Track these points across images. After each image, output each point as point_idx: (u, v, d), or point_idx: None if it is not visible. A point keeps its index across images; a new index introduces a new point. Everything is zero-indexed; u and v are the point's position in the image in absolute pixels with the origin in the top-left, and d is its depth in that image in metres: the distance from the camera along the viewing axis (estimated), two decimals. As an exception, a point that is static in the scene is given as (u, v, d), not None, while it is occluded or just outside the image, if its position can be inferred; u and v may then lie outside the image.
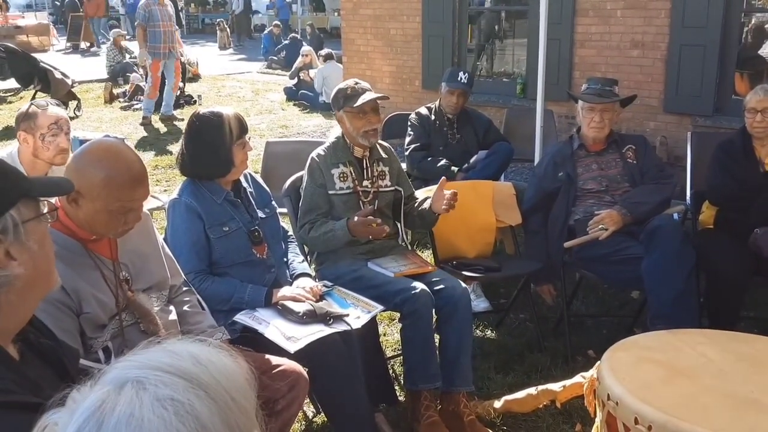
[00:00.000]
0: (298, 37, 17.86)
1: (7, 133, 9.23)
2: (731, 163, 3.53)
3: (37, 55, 11.68)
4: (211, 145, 2.69)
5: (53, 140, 3.19)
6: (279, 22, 20.31)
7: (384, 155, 3.36)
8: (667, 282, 3.14)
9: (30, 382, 1.22)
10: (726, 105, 5.99)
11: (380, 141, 3.40)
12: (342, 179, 3.21)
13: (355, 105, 3.14)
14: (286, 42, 17.21)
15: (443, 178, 3.27)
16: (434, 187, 3.88)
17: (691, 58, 5.99)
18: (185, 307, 2.40)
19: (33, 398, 1.16)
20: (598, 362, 2.25)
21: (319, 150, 3.27)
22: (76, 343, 1.92)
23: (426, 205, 3.31)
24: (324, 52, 11.82)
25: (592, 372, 2.41)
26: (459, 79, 4.73)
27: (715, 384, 2.04)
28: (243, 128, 2.76)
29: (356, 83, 3.23)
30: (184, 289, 2.48)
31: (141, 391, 0.72)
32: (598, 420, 2.22)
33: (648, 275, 3.21)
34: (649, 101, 6.26)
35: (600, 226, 3.46)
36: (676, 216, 3.83)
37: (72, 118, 7.79)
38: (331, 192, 3.19)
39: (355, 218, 3.03)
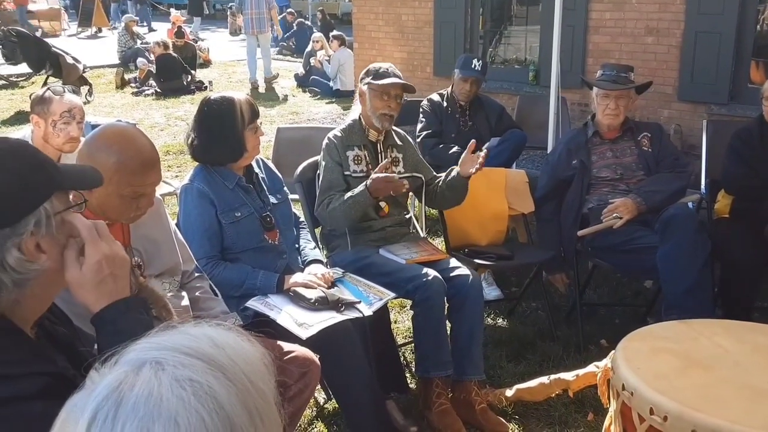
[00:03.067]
0: (306, 22, 17.80)
1: (19, 118, 9.27)
2: (748, 151, 3.48)
3: (49, 40, 11.71)
4: (223, 130, 2.67)
5: (64, 128, 3.19)
6: (293, 10, 20.25)
7: (399, 142, 3.34)
8: (681, 272, 3.11)
9: (44, 355, 1.22)
10: (741, 93, 5.93)
11: (395, 128, 3.38)
12: (356, 162, 3.20)
13: (380, 83, 3.14)
14: (294, 29, 17.19)
15: (473, 141, 3.24)
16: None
17: (707, 46, 5.92)
18: (197, 293, 2.40)
19: (47, 366, 1.17)
20: (613, 352, 2.23)
21: (336, 131, 3.26)
22: (89, 329, 1.92)
23: (453, 173, 3.27)
24: (336, 33, 11.75)
25: (606, 361, 2.40)
26: (473, 66, 4.69)
27: (731, 375, 2.02)
28: (254, 113, 2.74)
29: (390, 66, 3.24)
30: (196, 275, 2.48)
31: (159, 371, 0.71)
32: (612, 410, 2.21)
33: (663, 265, 3.18)
34: (664, 89, 6.20)
35: (614, 215, 3.43)
36: (690, 205, 3.80)
37: (84, 104, 7.89)
38: (345, 173, 3.18)
39: (375, 179, 2.99)
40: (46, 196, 1.22)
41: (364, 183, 3.03)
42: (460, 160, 3.22)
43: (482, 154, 3.11)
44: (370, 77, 3.20)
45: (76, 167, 1.42)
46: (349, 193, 3.07)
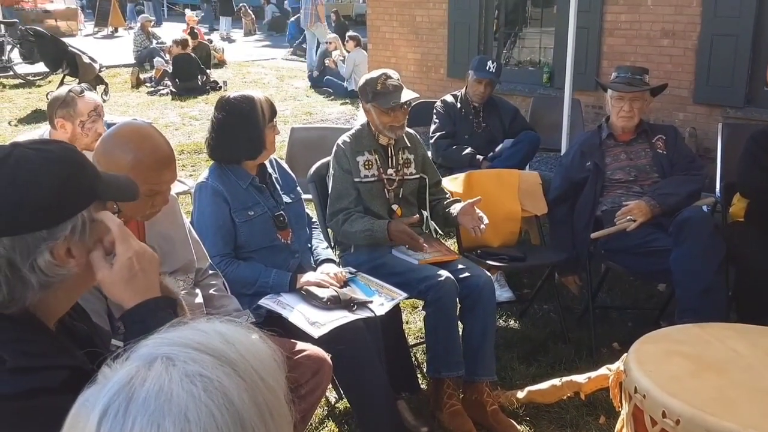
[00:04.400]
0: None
1: (36, 116, 9.34)
2: (764, 154, 3.45)
3: (65, 40, 11.79)
4: (244, 127, 2.70)
5: (92, 126, 3.23)
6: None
7: (409, 144, 3.33)
8: (696, 275, 3.09)
9: (65, 348, 1.24)
10: (758, 96, 5.88)
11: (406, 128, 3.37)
12: (367, 167, 3.19)
13: (384, 107, 3.11)
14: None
15: (479, 197, 3.21)
16: (460, 176, 3.86)
17: (723, 48, 5.87)
18: (211, 291, 2.41)
19: (68, 360, 1.19)
20: (625, 354, 2.22)
21: (345, 137, 3.26)
22: (105, 324, 1.94)
23: (453, 210, 3.27)
24: (351, 34, 11.76)
25: (618, 364, 2.38)
26: (487, 68, 4.67)
27: (745, 379, 2.00)
28: (273, 111, 2.79)
29: (386, 78, 3.15)
30: (210, 272, 2.49)
31: (170, 366, 0.72)
32: (623, 413, 2.19)
33: (677, 268, 3.16)
34: (679, 92, 6.15)
35: (628, 217, 3.41)
36: (705, 208, 3.77)
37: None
38: (356, 179, 3.17)
39: (399, 225, 3.03)
40: (86, 204, 1.24)
41: (387, 223, 3.05)
42: (461, 209, 3.20)
43: (485, 222, 3.11)
44: (370, 96, 3.14)
45: (116, 177, 1.44)
46: (368, 224, 3.07)
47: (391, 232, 3.03)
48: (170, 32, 16.15)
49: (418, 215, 3.23)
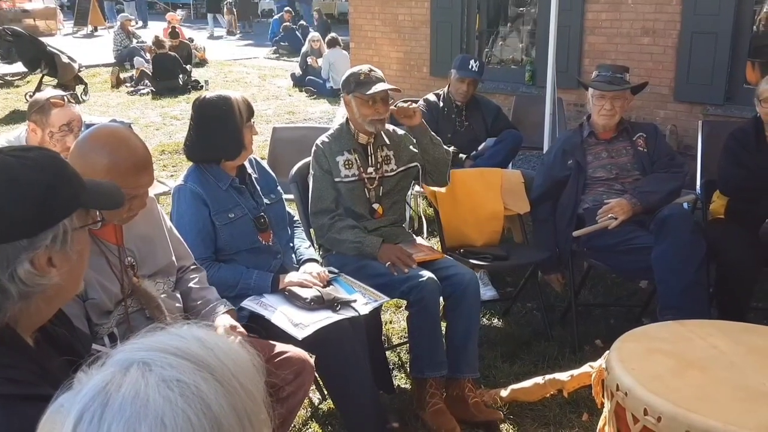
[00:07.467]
0: (302, 22, 17.80)
1: (14, 117, 9.25)
2: (743, 152, 3.48)
3: (44, 39, 11.68)
4: (222, 128, 2.67)
5: (61, 139, 3.17)
6: (290, 8, 20.24)
7: (388, 140, 3.32)
8: (677, 272, 3.10)
9: (46, 371, 1.21)
10: (737, 94, 5.94)
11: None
12: (347, 166, 3.18)
13: (366, 93, 3.09)
14: (282, 33, 17.22)
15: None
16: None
17: (703, 46, 5.93)
18: (191, 284, 2.38)
19: (51, 390, 1.16)
20: (607, 352, 2.22)
21: (324, 137, 3.24)
22: (84, 328, 1.91)
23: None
24: (328, 37, 11.77)
25: (600, 362, 2.39)
26: (470, 67, 4.67)
27: (727, 376, 2.01)
28: (251, 110, 2.76)
29: (371, 70, 3.16)
30: (192, 267, 2.46)
31: (147, 372, 0.71)
32: (606, 410, 2.20)
33: (658, 265, 3.18)
34: (660, 89, 6.20)
35: (609, 216, 3.43)
36: (686, 205, 3.80)
37: (78, 103, 7.89)
38: (336, 179, 3.15)
39: (392, 246, 3.05)
40: (68, 213, 1.22)
41: (380, 243, 3.05)
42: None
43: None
44: (353, 86, 3.13)
45: (100, 184, 1.41)
46: (359, 237, 3.07)
47: (380, 253, 3.02)
48: (156, 32, 16.02)
49: (412, 102, 3.22)
